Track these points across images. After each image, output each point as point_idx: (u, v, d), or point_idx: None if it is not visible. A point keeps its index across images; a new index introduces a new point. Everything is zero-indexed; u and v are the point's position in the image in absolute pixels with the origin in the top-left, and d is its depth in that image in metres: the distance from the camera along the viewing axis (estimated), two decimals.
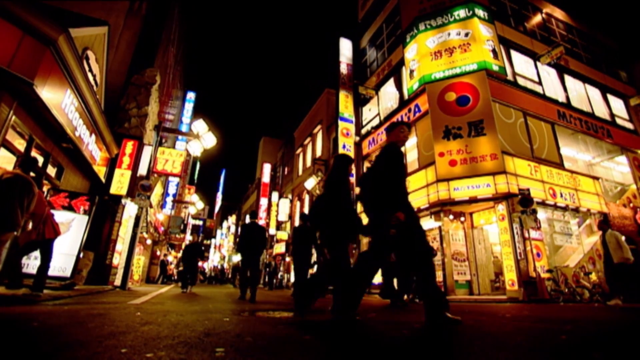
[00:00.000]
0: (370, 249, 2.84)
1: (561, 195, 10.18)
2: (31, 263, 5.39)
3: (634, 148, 13.74)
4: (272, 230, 26.35)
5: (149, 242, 18.68)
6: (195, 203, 23.00)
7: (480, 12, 11.60)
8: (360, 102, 16.25)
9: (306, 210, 22.06)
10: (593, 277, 9.29)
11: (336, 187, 3.42)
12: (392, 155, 2.86)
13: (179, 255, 33.69)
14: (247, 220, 7.48)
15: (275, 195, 27.86)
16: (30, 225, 4.15)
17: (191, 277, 9.61)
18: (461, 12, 11.68)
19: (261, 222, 28.97)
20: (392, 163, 2.81)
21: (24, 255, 4.51)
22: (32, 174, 3.96)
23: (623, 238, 6.89)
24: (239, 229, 7.85)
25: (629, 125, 14.64)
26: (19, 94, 4.88)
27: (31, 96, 4.90)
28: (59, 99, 5.54)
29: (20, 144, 5.58)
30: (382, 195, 2.73)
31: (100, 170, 8.91)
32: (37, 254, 4.48)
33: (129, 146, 9.64)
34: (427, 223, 10.40)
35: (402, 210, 2.60)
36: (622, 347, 1.96)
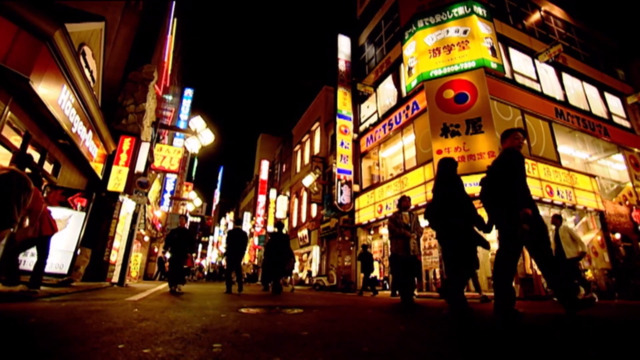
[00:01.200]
0: (502, 246, 3.04)
1: (558, 193, 10.22)
2: (28, 260, 5.37)
3: (630, 146, 13.80)
4: (270, 228, 26.37)
5: (146, 239, 18.67)
6: (193, 200, 22.94)
7: (479, 10, 11.58)
8: (358, 99, 16.23)
9: (304, 207, 22.08)
10: (589, 274, 9.36)
11: (451, 189, 3.70)
12: (516, 158, 3.07)
13: None
14: (232, 226, 8.95)
15: (273, 192, 27.88)
16: (26, 222, 4.13)
17: (178, 273, 7.42)
18: (460, 10, 11.65)
19: (259, 219, 29.07)
20: (519, 165, 3.03)
21: (20, 252, 4.49)
22: (27, 170, 3.93)
23: (577, 232, 6.78)
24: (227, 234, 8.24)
25: (626, 124, 14.69)
26: (15, 90, 4.85)
27: (27, 92, 4.87)
28: (55, 95, 5.50)
29: (16, 140, 5.55)
30: (507, 194, 2.96)
31: (98, 167, 8.87)
32: (34, 250, 4.46)
33: (127, 143, 9.59)
34: (425, 221, 10.42)
35: (530, 207, 2.88)
36: (617, 344, 1.98)
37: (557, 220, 6.86)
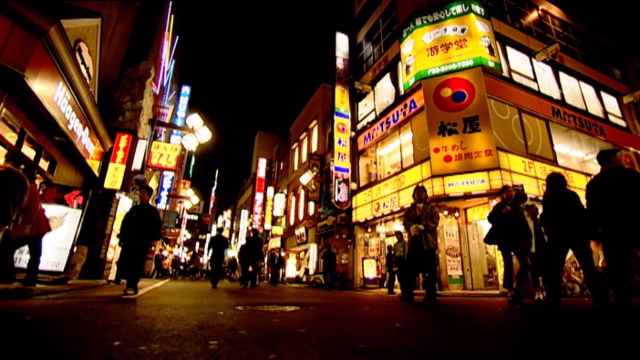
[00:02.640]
0: None
1: None
2: (23, 257, 5.34)
3: (626, 145, 13.88)
4: (267, 225, 26.36)
5: None
6: (190, 198, 22.91)
7: (476, 8, 11.59)
8: (356, 97, 16.22)
9: (301, 205, 22.06)
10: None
11: (568, 200, 3.97)
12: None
13: (174, 250, 33.60)
14: (214, 233, 10.79)
15: (270, 190, 27.84)
16: (21, 220, 4.10)
17: (132, 267, 5.01)
18: (458, 8, 11.65)
19: (257, 217, 29.07)
20: None
21: (15, 249, 4.47)
22: (22, 166, 3.91)
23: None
24: (209, 241, 11.04)
25: (622, 123, 14.78)
26: (10, 86, 4.81)
27: (22, 88, 4.83)
28: (51, 92, 5.46)
29: (11, 137, 5.50)
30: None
31: (94, 164, 8.83)
32: (28, 248, 4.44)
33: (123, 140, 9.55)
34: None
35: None
36: (610, 340, 2.00)
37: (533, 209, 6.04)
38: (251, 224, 30.55)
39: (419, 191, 5.34)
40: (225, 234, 49.10)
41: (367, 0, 17.12)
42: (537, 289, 5.76)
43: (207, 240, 61.31)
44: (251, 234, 10.66)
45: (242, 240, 34.04)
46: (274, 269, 15.79)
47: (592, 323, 2.71)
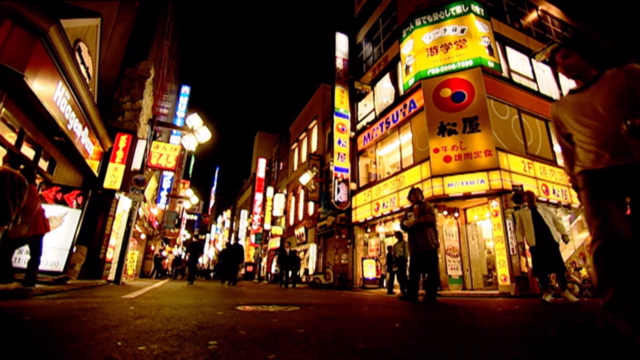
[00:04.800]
0: None
1: (554, 192, 10.29)
2: (23, 257, 5.34)
3: None
4: (267, 225, 26.35)
5: (143, 236, 18.60)
6: (189, 198, 22.88)
7: (476, 9, 11.59)
8: (355, 98, 16.22)
9: (301, 205, 22.06)
10: (583, 272, 9.43)
11: None
12: None
13: (173, 250, 33.56)
14: (194, 239, 13.22)
15: (270, 190, 27.83)
16: (20, 220, 4.10)
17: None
18: (457, 8, 11.66)
19: (256, 217, 29.07)
20: None
21: (14, 249, 4.46)
22: (21, 166, 3.90)
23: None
24: (192, 245, 13.30)
25: None
26: (9, 86, 4.81)
27: (22, 88, 4.83)
28: (50, 92, 5.46)
29: (10, 137, 5.50)
30: None
31: (94, 164, 8.82)
32: (28, 248, 4.43)
33: (123, 140, 9.54)
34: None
35: None
36: (608, 339, 2.00)
37: (531, 196, 5.58)
38: (251, 224, 30.56)
39: (414, 193, 5.50)
40: (225, 234, 49.45)
41: (367, 0, 17.12)
42: (544, 290, 5.33)
43: (207, 241, 61.43)
44: (233, 242, 13.16)
45: (240, 242, 34.04)
46: (285, 268, 12.90)
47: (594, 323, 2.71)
